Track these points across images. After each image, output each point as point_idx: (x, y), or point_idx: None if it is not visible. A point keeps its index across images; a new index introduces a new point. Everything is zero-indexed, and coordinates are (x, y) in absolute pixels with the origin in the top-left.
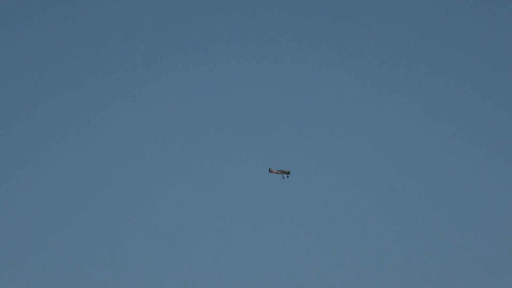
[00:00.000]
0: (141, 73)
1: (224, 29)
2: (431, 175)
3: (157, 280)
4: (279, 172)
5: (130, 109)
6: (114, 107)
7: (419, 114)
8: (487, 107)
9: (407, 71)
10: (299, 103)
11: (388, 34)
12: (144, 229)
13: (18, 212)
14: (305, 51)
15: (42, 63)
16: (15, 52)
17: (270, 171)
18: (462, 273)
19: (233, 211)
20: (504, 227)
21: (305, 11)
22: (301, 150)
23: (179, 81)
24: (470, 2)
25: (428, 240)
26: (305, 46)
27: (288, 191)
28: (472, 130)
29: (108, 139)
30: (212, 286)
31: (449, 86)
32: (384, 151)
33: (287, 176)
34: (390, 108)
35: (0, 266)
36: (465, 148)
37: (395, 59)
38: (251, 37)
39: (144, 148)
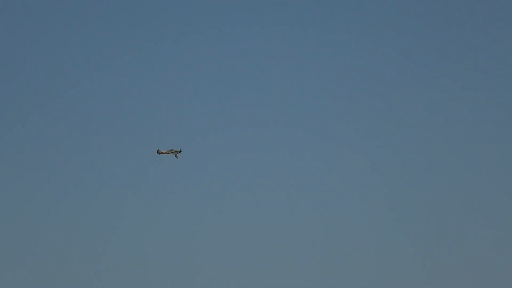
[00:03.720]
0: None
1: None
2: (430, 173)
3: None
4: (169, 152)
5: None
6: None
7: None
8: (487, 106)
9: (406, 71)
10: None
11: (388, 33)
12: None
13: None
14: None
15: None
16: None
17: (158, 152)
18: (462, 273)
19: (230, 209)
20: (505, 227)
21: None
22: (300, 149)
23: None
24: None
25: (427, 240)
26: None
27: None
28: (472, 129)
29: (105, 137)
30: (211, 286)
31: (451, 84)
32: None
33: (176, 156)
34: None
35: None
36: (465, 146)
37: (394, 58)
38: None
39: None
